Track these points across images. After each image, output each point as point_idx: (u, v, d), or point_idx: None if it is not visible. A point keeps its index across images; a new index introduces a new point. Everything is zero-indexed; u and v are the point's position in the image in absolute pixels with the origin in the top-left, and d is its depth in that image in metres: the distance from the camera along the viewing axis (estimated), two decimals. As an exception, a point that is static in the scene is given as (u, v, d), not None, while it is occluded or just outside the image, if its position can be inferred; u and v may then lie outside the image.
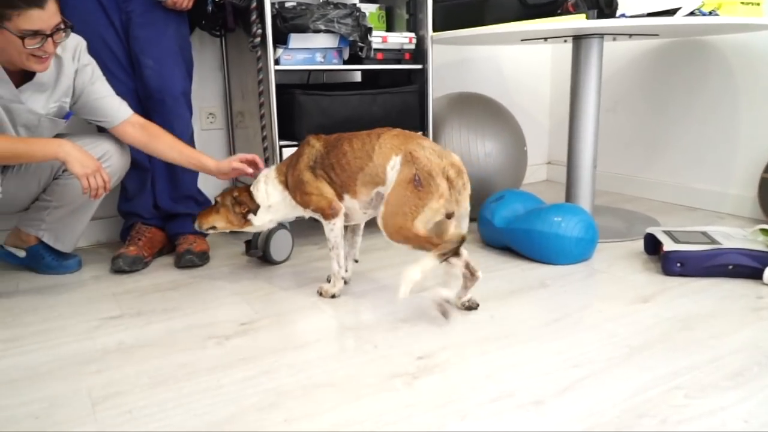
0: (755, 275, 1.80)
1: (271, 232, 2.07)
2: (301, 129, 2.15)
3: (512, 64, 3.37)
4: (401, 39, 2.33)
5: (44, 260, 2.04)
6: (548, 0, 2.22)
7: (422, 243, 1.52)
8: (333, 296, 1.77)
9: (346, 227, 1.79)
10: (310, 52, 2.15)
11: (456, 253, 1.51)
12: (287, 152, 2.12)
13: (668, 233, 1.98)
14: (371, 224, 1.74)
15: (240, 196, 1.83)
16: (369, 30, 2.23)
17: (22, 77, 1.73)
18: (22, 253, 2.05)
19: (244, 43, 2.18)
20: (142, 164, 2.12)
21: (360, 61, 2.27)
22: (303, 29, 2.09)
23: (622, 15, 2.18)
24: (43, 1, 1.56)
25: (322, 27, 2.12)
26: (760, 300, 1.67)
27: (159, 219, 2.22)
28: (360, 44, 2.21)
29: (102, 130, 1.96)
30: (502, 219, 2.13)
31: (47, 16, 1.58)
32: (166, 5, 1.99)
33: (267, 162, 2.16)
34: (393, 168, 1.58)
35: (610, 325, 1.53)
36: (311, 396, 1.23)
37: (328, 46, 2.17)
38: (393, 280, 1.73)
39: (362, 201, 1.67)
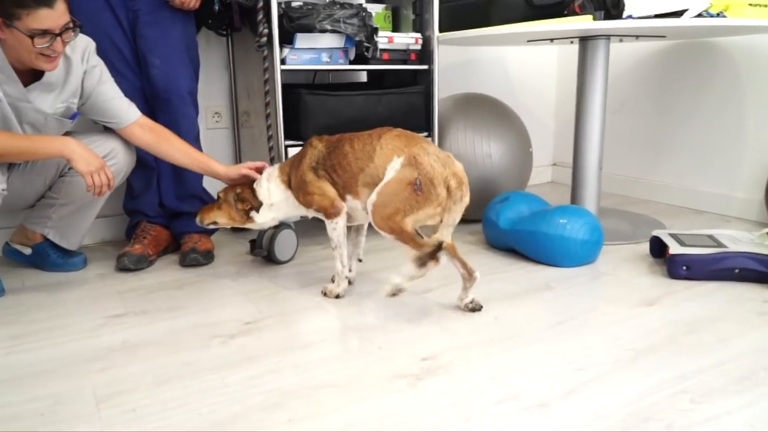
0: (762, 279, 1.79)
1: (275, 232, 2.07)
2: (306, 129, 2.15)
3: (518, 65, 3.36)
4: (407, 39, 2.33)
5: (50, 258, 2.04)
6: (555, 1, 2.21)
7: (405, 239, 1.54)
8: (337, 296, 1.77)
9: (349, 227, 1.80)
10: (316, 52, 2.15)
11: (433, 256, 1.49)
12: (292, 152, 2.12)
13: (674, 236, 1.97)
14: (376, 225, 1.74)
15: (242, 192, 1.84)
16: (375, 30, 2.23)
17: (30, 76, 1.73)
18: (27, 251, 2.06)
19: (251, 43, 2.18)
20: (147, 162, 2.12)
21: (366, 62, 2.27)
22: (309, 29, 2.09)
23: (629, 16, 2.17)
24: (53, 0, 1.56)
25: (329, 27, 2.11)
26: (766, 304, 1.66)
27: (164, 217, 2.22)
28: (366, 44, 2.21)
29: (109, 129, 1.96)
30: (507, 220, 2.13)
31: (56, 16, 1.58)
32: (173, 5, 1.99)
33: (272, 162, 2.16)
34: (393, 168, 1.58)
35: (616, 328, 1.53)
36: (315, 396, 1.23)
37: (334, 46, 2.17)
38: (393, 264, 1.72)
39: (364, 201, 1.67)
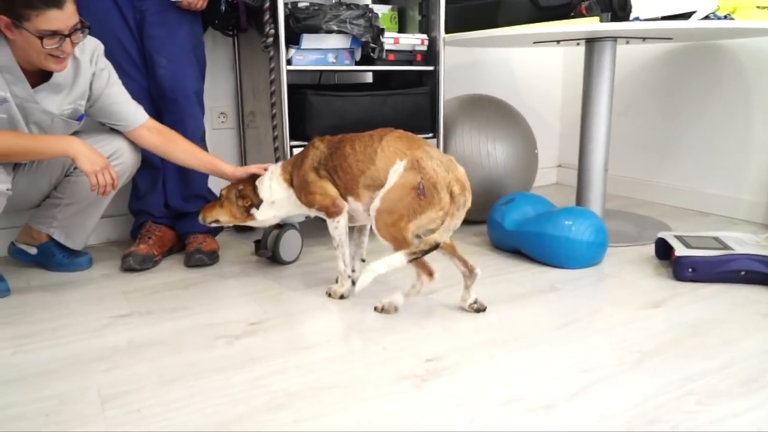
0: (768, 281, 1.79)
1: (280, 233, 2.07)
2: (312, 129, 2.15)
3: (524, 67, 3.36)
4: (413, 40, 2.33)
5: (55, 258, 2.05)
6: (561, 2, 2.21)
7: (403, 247, 1.53)
8: (341, 297, 1.77)
9: (352, 227, 1.80)
10: (322, 52, 2.15)
11: (426, 254, 1.51)
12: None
13: (680, 238, 1.97)
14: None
15: (244, 189, 1.85)
16: (381, 31, 2.23)
17: (38, 77, 1.74)
18: (33, 251, 2.06)
19: (257, 43, 2.19)
20: (153, 163, 2.13)
21: (372, 62, 2.27)
22: (315, 30, 2.09)
23: (636, 18, 2.17)
24: (62, 1, 1.57)
25: (335, 27, 2.12)
26: (773, 307, 1.66)
27: (169, 218, 2.22)
28: (372, 45, 2.21)
29: (114, 129, 1.97)
30: (513, 222, 2.12)
31: (66, 17, 1.59)
32: (181, 6, 2.00)
33: (277, 162, 2.16)
34: (395, 172, 1.58)
35: (621, 329, 1.52)
36: (320, 397, 1.23)
37: (340, 47, 2.17)
38: (402, 282, 1.72)
39: (365, 203, 1.68)
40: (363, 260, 1.90)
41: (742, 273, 1.80)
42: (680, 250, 1.86)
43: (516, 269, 2.01)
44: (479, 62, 3.21)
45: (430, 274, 1.59)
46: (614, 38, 2.27)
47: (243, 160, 2.64)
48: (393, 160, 1.59)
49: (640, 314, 1.62)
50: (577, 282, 1.88)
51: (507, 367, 1.34)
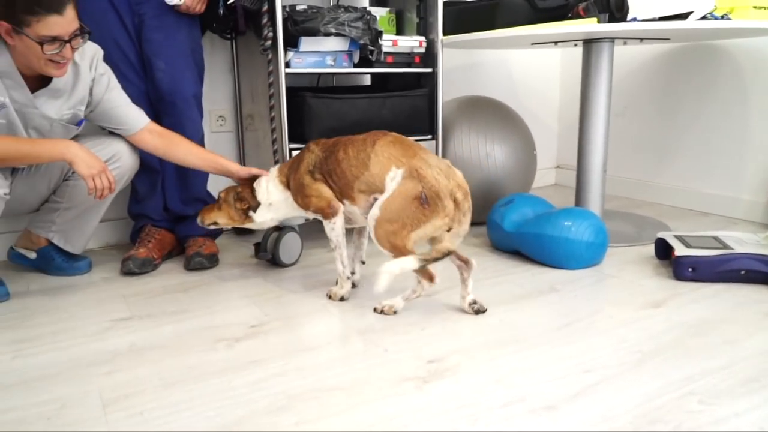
0: (768, 281, 1.79)
1: (280, 235, 2.07)
2: (310, 132, 2.15)
3: (522, 68, 3.36)
4: (411, 42, 2.33)
5: (54, 262, 2.04)
6: (559, 4, 2.22)
7: (404, 256, 1.54)
8: (342, 299, 1.77)
9: (351, 229, 1.80)
10: (320, 55, 2.15)
11: (438, 261, 1.53)
12: (297, 155, 2.12)
13: (679, 238, 1.97)
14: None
15: (242, 192, 1.85)
16: (379, 33, 2.23)
17: (38, 82, 1.74)
18: (32, 255, 2.06)
19: (255, 46, 2.19)
20: (152, 166, 2.13)
21: (370, 65, 2.27)
22: (314, 32, 2.10)
23: (634, 19, 2.17)
24: (62, 7, 1.57)
25: (333, 30, 2.12)
26: (773, 306, 1.66)
27: (169, 221, 2.22)
28: (370, 47, 2.22)
29: (113, 132, 1.97)
30: (512, 223, 2.12)
31: (66, 23, 1.59)
32: (179, 10, 2.00)
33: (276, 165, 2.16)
34: (393, 179, 1.58)
35: (622, 330, 1.53)
36: (321, 399, 1.23)
37: (338, 50, 2.18)
38: (402, 284, 1.72)
39: (362, 207, 1.68)
40: (363, 262, 1.90)
41: (743, 272, 1.81)
42: (680, 250, 1.87)
43: (516, 270, 2.01)
44: (477, 64, 3.21)
45: (431, 278, 1.60)
46: (612, 39, 2.28)
47: (242, 164, 2.64)
48: (388, 167, 1.60)
49: (640, 314, 1.62)
50: (577, 282, 1.88)
51: (508, 368, 1.34)
